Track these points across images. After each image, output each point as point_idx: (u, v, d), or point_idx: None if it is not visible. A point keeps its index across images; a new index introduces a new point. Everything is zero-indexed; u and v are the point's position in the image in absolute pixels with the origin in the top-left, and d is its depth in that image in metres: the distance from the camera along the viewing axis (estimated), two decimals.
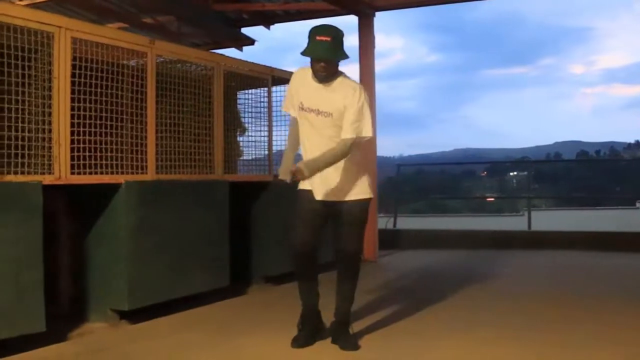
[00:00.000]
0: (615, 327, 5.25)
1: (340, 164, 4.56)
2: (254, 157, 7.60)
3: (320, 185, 4.64)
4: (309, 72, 4.60)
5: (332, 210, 4.66)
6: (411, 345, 4.77)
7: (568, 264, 9.23)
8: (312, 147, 4.59)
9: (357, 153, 4.65)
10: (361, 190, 4.69)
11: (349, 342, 4.64)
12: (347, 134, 4.47)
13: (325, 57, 4.42)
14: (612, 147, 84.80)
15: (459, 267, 9.00)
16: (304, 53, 4.45)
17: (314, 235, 4.69)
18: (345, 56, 4.51)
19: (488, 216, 23.17)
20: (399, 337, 4.97)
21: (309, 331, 4.79)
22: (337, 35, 4.44)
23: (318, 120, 4.55)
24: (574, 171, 44.82)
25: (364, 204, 4.70)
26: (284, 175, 4.54)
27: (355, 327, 4.90)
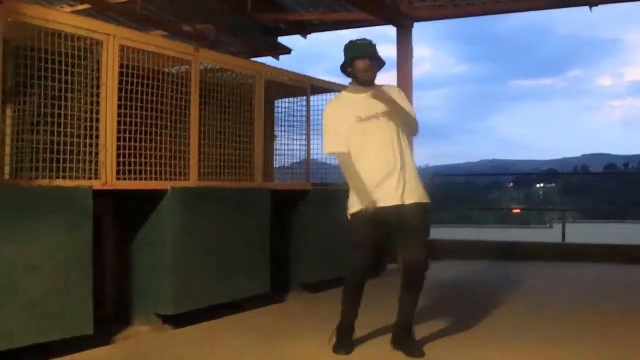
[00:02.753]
0: None
1: (405, 164, 4.67)
2: (292, 165, 7.65)
3: (384, 189, 4.63)
4: (343, 95, 4.89)
5: (396, 218, 4.63)
6: (467, 354, 4.78)
7: (606, 277, 9.14)
8: (384, 152, 4.65)
9: (410, 151, 4.82)
10: (424, 193, 4.74)
11: (415, 348, 4.66)
12: (414, 114, 4.86)
13: (372, 52, 4.71)
14: None
15: (481, 278, 8.96)
16: (351, 55, 4.71)
17: (376, 253, 4.80)
18: (383, 61, 4.80)
19: (515, 228, 23.06)
20: (453, 347, 4.97)
21: (351, 342, 4.84)
22: (370, 42, 4.76)
23: (379, 124, 4.65)
24: (602, 184, 44.47)
25: (427, 206, 4.74)
26: (371, 201, 4.62)
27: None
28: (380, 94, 4.60)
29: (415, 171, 4.77)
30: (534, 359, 4.73)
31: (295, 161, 7.64)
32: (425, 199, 4.70)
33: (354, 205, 4.73)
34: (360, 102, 4.72)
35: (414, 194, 4.66)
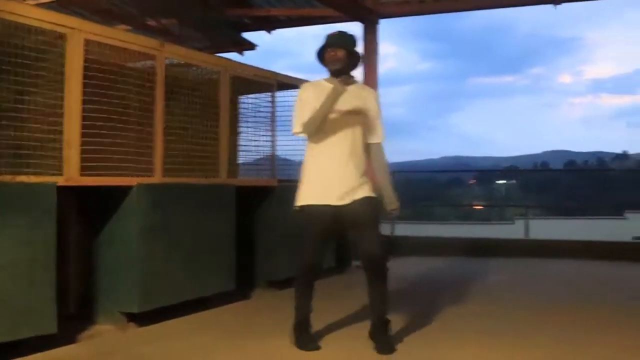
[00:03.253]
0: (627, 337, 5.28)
1: (352, 163, 4.67)
2: (257, 161, 7.61)
3: (328, 189, 4.65)
4: (318, 83, 4.83)
5: (345, 215, 4.65)
6: (434, 352, 4.79)
7: (569, 272, 9.27)
8: (340, 149, 4.67)
9: (364, 155, 4.82)
10: (369, 188, 4.74)
11: (385, 344, 4.68)
12: (380, 137, 4.87)
13: (339, 43, 4.72)
14: (599, 157, 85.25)
15: (451, 274, 9.01)
16: (321, 46, 4.73)
17: (323, 253, 4.87)
18: (357, 52, 4.80)
19: (477, 224, 23.25)
20: (419, 343, 4.99)
21: (308, 335, 4.87)
22: (345, 33, 4.81)
23: (339, 121, 4.64)
24: (562, 180, 44.95)
25: (374, 200, 4.74)
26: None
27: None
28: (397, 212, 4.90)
29: (362, 170, 4.75)
30: (503, 353, 4.76)
31: (259, 157, 7.60)
32: (372, 193, 4.72)
33: (300, 199, 4.77)
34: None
35: (361, 190, 4.66)
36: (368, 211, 4.66)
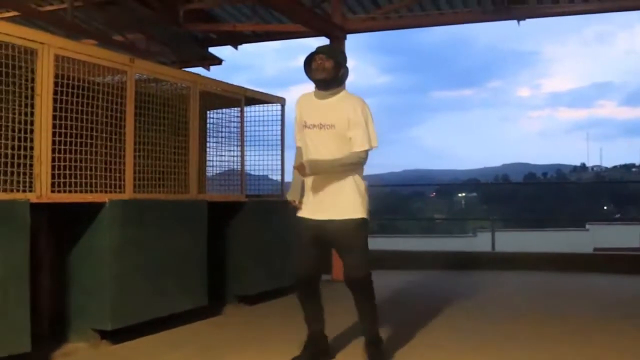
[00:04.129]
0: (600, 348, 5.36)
1: (329, 179, 4.63)
2: (226, 177, 7.60)
3: (313, 204, 4.68)
4: (311, 94, 4.77)
5: (328, 232, 4.64)
6: None
7: (538, 284, 9.36)
8: None
9: (358, 170, 4.72)
10: (355, 208, 4.64)
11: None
12: (362, 146, 4.59)
13: (326, 50, 4.69)
14: (558, 169, 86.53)
15: (427, 287, 9.05)
16: (307, 58, 4.70)
17: (314, 262, 4.75)
18: (343, 62, 4.72)
19: (440, 237, 23.45)
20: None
21: (313, 354, 4.80)
22: (337, 47, 5.08)
23: (321, 134, 4.61)
24: (522, 193, 45.57)
25: (358, 221, 4.63)
26: (292, 197, 4.81)
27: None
28: (301, 170, 4.55)
29: (352, 187, 4.66)
30: None
31: (227, 172, 7.58)
32: (358, 214, 4.63)
33: (300, 212, 4.79)
34: (313, 107, 4.70)
35: (345, 209, 4.61)
36: (350, 232, 4.60)
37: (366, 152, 4.62)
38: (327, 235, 4.66)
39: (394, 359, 4.96)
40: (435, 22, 9.92)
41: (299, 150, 4.87)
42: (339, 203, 4.62)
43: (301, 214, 4.76)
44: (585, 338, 5.68)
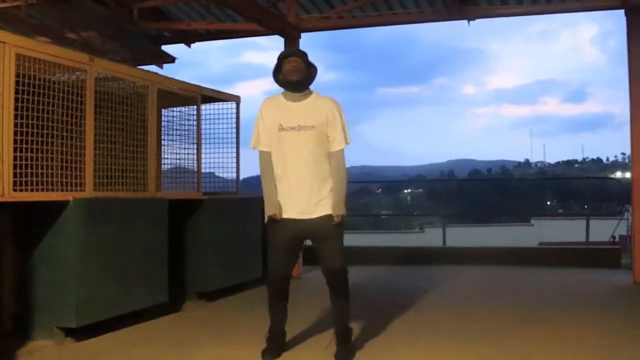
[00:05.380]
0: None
1: (308, 178, 4.74)
2: (180, 174, 7.64)
3: (293, 203, 4.76)
4: (279, 97, 4.87)
5: (307, 230, 4.78)
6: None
7: (486, 278, 9.61)
8: (295, 166, 4.74)
9: (329, 166, 4.83)
10: (335, 205, 4.78)
11: (344, 351, 4.85)
12: (340, 144, 4.82)
13: (300, 53, 4.85)
14: (503, 165, 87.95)
15: (382, 282, 9.19)
16: (279, 57, 4.84)
17: (290, 262, 4.90)
18: (312, 65, 4.87)
19: (388, 232, 23.68)
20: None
21: (279, 347, 4.95)
22: (299, 49, 5.03)
23: (299, 136, 4.70)
24: (468, 189, 46.08)
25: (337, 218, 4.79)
26: (274, 210, 4.78)
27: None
28: (338, 219, 4.76)
29: (330, 183, 4.80)
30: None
31: (181, 170, 7.62)
32: (336, 211, 4.77)
33: (266, 212, 4.87)
34: (287, 109, 4.79)
35: (324, 206, 4.76)
36: (328, 228, 4.76)
37: (343, 149, 4.84)
38: (305, 232, 4.79)
39: (364, 349, 5.13)
40: (387, 21, 10.06)
41: (266, 156, 4.88)
42: (317, 199, 4.76)
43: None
44: (535, 328, 5.91)
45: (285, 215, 4.78)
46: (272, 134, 4.80)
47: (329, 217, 4.76)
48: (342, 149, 4.84)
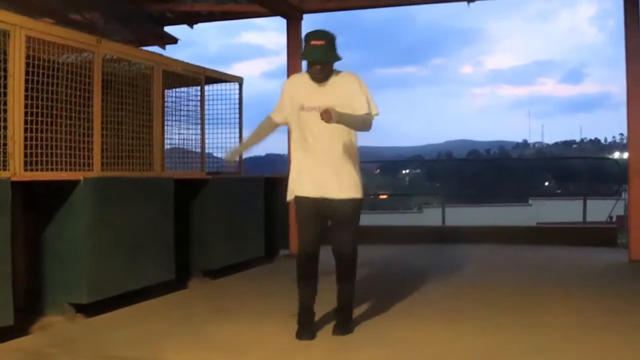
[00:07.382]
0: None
1: (330, 159, 4.81)
2: (183, 154, 7.75)
3: (315, 182, 4.84)
4: (304, 76, 4.90)
5: (327, 209, 4.85)
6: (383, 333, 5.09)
7: (489, 255, 9.81)
8: (322, 145, 4.81)
9: (354, 146, 4.94)
10: (355, 189, 4.88)
11: (340, 327, 4.98)
12: (370, 110, 4.80)
13: (320, 60, 4.72)
14: (501, 146, 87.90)
15: (383, 261, 9.32)
16: (302, 56, 4.84)
17: (316, 237, 4.91)
18: (338, 58, 4.78)
19: (387, 213, 23.79)
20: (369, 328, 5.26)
21: (312, 326, 4.96)
22: (329, 38, 4.73)
23: (318, 117, 4.60)
24: (466, 169, 46.02)
25: (357, 202, 4.90)
26: (231, 156, 5.37)
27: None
28: (326, 116, 4.42)
29: (352, 166, 4.88)
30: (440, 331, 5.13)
31: (185, 150, 7.73)
32: (357, 194, 4.87)
33: (288, 193, 4.97)
34: (309, 90, 4.82)
35: (346, 189, 4.83)
36: (350, 210, 4.85)
37: (373, 117, 4.84)
38: (327, 211, 4.86)
39: (362, 325, 5.23)
40: (389, 3, 10.10)
41: (269, 120, 5.08)
42: (348, 183, 4.85)
43: (301, 192, 4.89)
44: (533, 304, 6.07)
45: (307, 194, 4.85)
46: (293, 112, 4.89)
47: (348, 201, 4.83)
48: (370, 114, 4.80)
